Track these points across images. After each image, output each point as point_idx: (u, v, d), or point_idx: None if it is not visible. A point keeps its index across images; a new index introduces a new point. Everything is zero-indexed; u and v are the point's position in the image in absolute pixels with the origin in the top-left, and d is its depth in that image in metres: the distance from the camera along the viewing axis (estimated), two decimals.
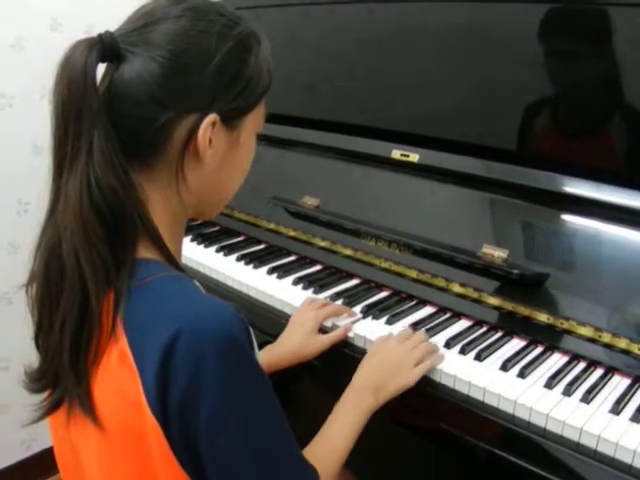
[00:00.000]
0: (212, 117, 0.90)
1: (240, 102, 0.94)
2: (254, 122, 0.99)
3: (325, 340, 1.39)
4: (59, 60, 0.85)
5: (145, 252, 0.89)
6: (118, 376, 0.83)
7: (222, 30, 0.91)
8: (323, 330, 1.42)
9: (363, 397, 1.18)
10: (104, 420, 0.85)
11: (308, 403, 1.72)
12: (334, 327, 1.42)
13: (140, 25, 0.89)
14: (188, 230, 1.96)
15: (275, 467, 0.87)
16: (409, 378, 1.22)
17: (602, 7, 1.36)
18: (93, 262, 0.83)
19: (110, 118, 0.86)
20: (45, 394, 0.94)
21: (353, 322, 1.44)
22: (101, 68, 0.88)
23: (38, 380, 0.94)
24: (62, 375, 0.87)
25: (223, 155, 0.95)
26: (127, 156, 0.87)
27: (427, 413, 1.27)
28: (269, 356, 1.35)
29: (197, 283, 0.92)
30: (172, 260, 0.93)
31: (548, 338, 1.34)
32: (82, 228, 0.83)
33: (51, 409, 0.93)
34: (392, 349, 1.27)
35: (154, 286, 0.86)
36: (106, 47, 0.86)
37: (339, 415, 1.15)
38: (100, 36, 0.86)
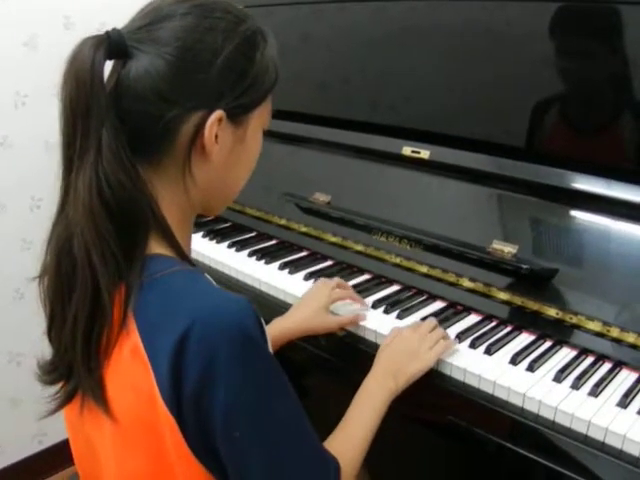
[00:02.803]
0: (218, 113, 0.90)
1: (246, 99, 0.94)
2: (260, 118, 1.00)
3: (334, 319, 1.41)
4: (67, 57, 0.86)
5: (156, 247, 0.90)
6: (131, 370, 0.84)
7: (228, 27, 0.92)
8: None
9: (383, 383, 1.19)
10: (117, 413, 0.86)
11: (319, 399, 1.72)
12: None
13: (147, 22, 0.89)
14: (200, 226, 1.97)
15: (293, 457, 0.87)
16: (427, 360, 1.24)
17: (613, 5, 1.37)
18: (104, 256, 0.83)
19: (118, 115, 0.86)
20: (58, 386, 0.95)
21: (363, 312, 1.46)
22: (109, 65, 0.89)
23: (51, 372, 0.95)
24: (75, 366, 0.88)
25: (229, 151, 0.96)
26: (135, 152, 0.88)
27: (437, 406, 1.29)
28: (277, 329, 1.37)
29: (208, 276, 0.92)
30: (183, 255, 0.94)
31: (557, 332, 1.34)
32: (92, 223, 0.83)
33: (65, 400, 0.94)
34: (407, 336, 1.28)
35: (166, 281, 0.87)
36: (113, 44, 0.86)
37: (359, 403, 1.16)
38: (107, 33, 0.87)
